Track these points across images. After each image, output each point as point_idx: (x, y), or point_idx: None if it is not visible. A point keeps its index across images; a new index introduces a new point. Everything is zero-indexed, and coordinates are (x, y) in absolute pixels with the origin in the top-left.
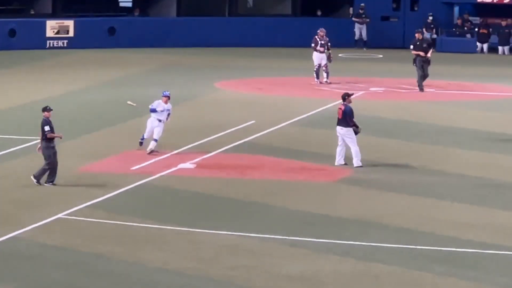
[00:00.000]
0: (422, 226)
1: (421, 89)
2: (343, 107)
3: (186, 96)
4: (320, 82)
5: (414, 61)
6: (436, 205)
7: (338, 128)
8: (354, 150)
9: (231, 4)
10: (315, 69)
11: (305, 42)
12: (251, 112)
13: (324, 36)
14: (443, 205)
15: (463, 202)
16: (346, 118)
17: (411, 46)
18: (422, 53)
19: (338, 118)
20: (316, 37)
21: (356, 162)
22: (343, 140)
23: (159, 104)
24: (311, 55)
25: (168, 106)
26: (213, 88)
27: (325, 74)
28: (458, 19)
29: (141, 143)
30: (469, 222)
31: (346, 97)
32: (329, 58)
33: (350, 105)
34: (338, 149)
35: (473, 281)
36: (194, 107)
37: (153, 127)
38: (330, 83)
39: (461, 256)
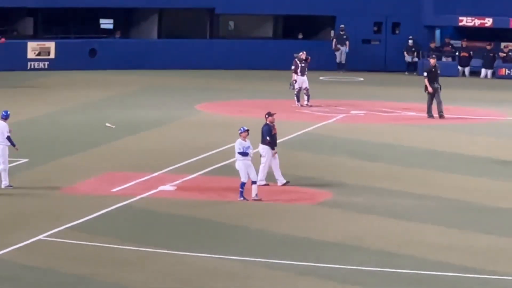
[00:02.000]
0: (403, 249)
1: (430, 116)
2: (262, 126)
3: (167, 118)
4: (301, 105)
5: (426, 88)
6: (417, 228)
7: (259, 146)
8: (261, 167)
9: (212, 26)
10: (295, 92)
11: (286, 64)
12: (232, 134)
13: (304, 56)
14: (424, 228)
15: (443, 225)
16: (263, 136)
17: (425, 73)
18: (430, 90)
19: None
20: (297, 59)
21: (259, 180)
22: (267, 158)
23: (241, 144)
24: (291, 77)
25: (248, 143)
26: (194, 110)
27: (305, 97)
28: (431, 42)
29: (241, 194)
30: (449, 246)
31: (267, 116)
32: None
33: (272, 124)
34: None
35: None
36: (175, 129)
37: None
38: (311, 106)
39: (442, 279)
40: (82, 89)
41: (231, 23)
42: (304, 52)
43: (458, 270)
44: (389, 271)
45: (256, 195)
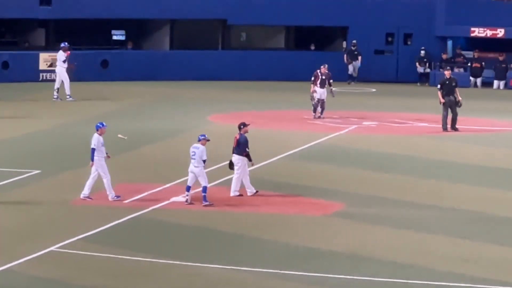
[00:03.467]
0: (415, 260)
1: (445, 128)
2: (238, 136)
3: (179, 129)
4: (319, 117)
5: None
6: (429, 239)
7: (233, 156)
8: (235, 177)
9: (224, 38)
10: (313, 103)
11: (298, 75)
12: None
13: (327, 72)
14: (435, 239)
15: (455, 236)
16: (240, 147)
17: (438, 86)
18: (442, 100)
19: (234, 147)
20: (318, 71)
21: (232, 192)
22: (241, 169)
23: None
24: (304, 88)
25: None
26: (206, 121)
27: (320, 109)
28: (443, 53)
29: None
30: (461, 257)
31: (242, 126)
32: (331, 93)
33: (246, 135)
34: (235, 176)
35: None
36: (187, 140)
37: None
38: (324, 118)
39: None
40: (94, 101)
41: (243, 34)
42: (326, 66)
43: (470, 281)
44: (400, 282)
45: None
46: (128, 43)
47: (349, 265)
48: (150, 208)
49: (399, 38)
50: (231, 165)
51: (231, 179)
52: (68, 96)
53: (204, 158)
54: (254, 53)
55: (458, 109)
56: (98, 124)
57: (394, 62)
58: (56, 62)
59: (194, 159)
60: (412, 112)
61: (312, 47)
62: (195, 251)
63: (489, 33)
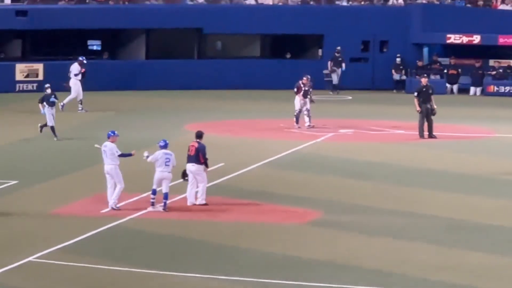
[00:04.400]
0: (393, 267)
1: (422, 136)
2: (196, 144)
3: (156, 139)
4: (299, 127)
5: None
6: (407, 247)
7: (189, 165)
8: (202, 187)
9: (200, 47)
10: (295, 114)
11: (274, 84)
12: (221, 154)
13: (308, 82)
14: (414, 246)
15: (434, 244)
16: (199, 155)
17: (415, 93)
18: (418, 109)
19: (189, 155)
20: (301, 82)
21: (200, 200)
22: (194, 178)
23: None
24: (280, 97)
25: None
26: (183, 130)
27: (307, 118)
28: (419, 61)
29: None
30: (440, 264)
31: (199, 135)
32: (311, 101)
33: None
34: (189, 188)
35: None
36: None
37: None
38: (313, 126)
39: None
40: (69, 111)
41: (219, 43)
42: (308, 77)
43: None
44: None
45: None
46: (104, 53)
47: (328, 273)
48: (128, 218)
49: (374, 46)
50: (184, 175)
51: (210, 187)
52: (61, 105)
53: (175, 164)
54: (230, 62)
55: (433, 117)
56: (110, 133)
57: (370, 69)
58: (69, 74)
59: (168, 165)
60: (388, 120)
61: (288, 56)
62: (173, 260)
63: (465, 39)
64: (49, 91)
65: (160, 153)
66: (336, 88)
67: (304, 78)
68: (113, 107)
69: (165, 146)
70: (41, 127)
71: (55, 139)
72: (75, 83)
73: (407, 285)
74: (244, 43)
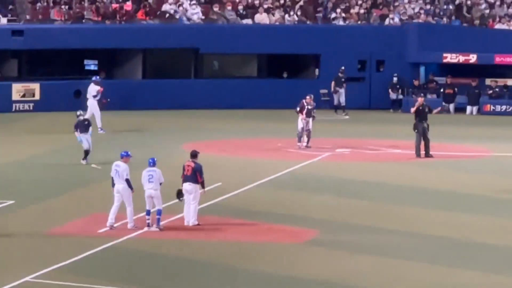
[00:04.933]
0: (389, 287)
1: (418, 155)
2: (192, 164)
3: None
4: (300, 147)
5: (416, 127)
6: (403, 266)
7: (186, 184)
8: (194, 207)
9: (197, 66)
10: (298, 133)
11: (271, 103)
12: (218, 174)
13: (312, 102)
14: (409, 265)
15: (430, 263)
16: (196, 175)
17: (412, 110)
18: (413, 109)
19: (186, 175)
20: (304, 101)
21: (193, 221)
22: (197, 197)
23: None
24: (278, 116)
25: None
26: (179, 150)
27: (306, 138)
28: (415, 80)
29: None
30: (436, 283)
31: (194, 154)
32: (313, 117)
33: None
34: (186, 207)
35: None
36: (160, 170)
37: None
38: (310, 146)
39: None
40: (67, 131)
41: (216, 63)
42: (312, 96)
43: None
44: None
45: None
46: (101, 73)
47: None
48: (125, 238)
49: (371, 65)
50: (179, 195)
51: (207, 207)
52: (99, 129)
53: (162, 180)
54: (226, 81)
55: (430, 135)
56: (123, 153)
57: (366, 89)
58: (87, 95)
59: (152, 182)
60: (385, 139)
61: (285, 75)
62: (169, 280)
63: (461, 58)
64: (81, 117)
65: (144, 171)
66: (338, 108)
67: (308, 98)
68: (110, 127)
69: (149, 164)
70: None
71: (83, 162)
72: (92, 104)
73: None
74: (241, 63)
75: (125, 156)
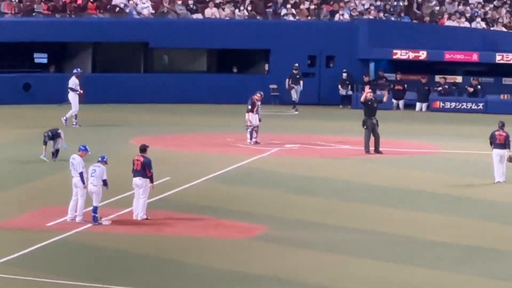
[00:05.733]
0: (338, 283)
1: (367, 151)
2: (141, 159)
3: (101, 153)
4: (251, 144)
5: (364, 123)
6: (352, 262)
7: (136, 179)
8: (143, 201)
9: (147, 61)
10: (249, 130)
11: (221, 98)
12: (166, 168)
13: (260, 99)
14: (358, 262)
15: (379, 259)
16: (145, 169)
17: (361, 98)
18: (362, 99)
19: (136, 169)
20: (255, 97)
21: (142, 215)
22: (147, 191)
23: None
24: (227, 111)
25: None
26: (128, 144)
27: (255, 134)
28: (365, 76)
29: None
30: (385, 280)
31: (143, 148)
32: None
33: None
34: (135, 202)
35: None
36: (109, 164)
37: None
38: (259, 142)
39: None
40: (16, 124)
41: (165, 57)
42: (262, 93)
43: None
44: None
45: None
46: (51, 66)
47: None
48: (73, 231)
49: (321, 61)
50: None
51: (155, 201)
52: (64, 119)
53: (104, 177)
54: (176, 76)
55: (380, 131)
56: (81, 147)
57: (316, 84)
58: (68, 88)
59: (93, 177)
60: (334, 135)
61: (235, 70)
62: (117, 274)
63: (411, 55)
64: (50, 133)
65: (91, 166)
66: (295, 104)
67: (258, 94)
68: (58, 121)
69: (98, 159)
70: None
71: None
72: (73, 97)
73: None
74: (190, 57)
75: (82, 150)
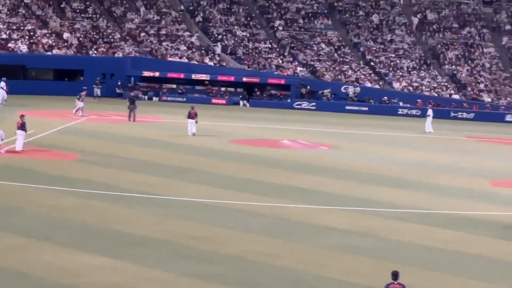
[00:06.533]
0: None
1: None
2: (21, 121)
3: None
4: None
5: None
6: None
7: (19, 131)
8: (21, 141)
9: (25, 74)
10: (74, 111)
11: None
12: (32, 126)
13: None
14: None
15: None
16: (24, 127)
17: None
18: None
19: (18, 127)
20: (82, 93)
21: (20, 148)
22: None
23: None
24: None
25: None
26: (14, 114)
27: (80, 112)
28: (129, 84)
29: None
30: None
31: (23, 115)
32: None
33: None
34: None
35: None
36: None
37: None
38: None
39: None
40: None
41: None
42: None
43: None
44: None
45: None
46: None
47: None
48: None
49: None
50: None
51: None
52: None
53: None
54: (41, 82)
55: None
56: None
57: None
58: None
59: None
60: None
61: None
62: None
63: (150, 74)
64: None
65: None
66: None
67: (83, 92)
68: None
69: None
70: None
71: None
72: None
73: None
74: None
75: None
